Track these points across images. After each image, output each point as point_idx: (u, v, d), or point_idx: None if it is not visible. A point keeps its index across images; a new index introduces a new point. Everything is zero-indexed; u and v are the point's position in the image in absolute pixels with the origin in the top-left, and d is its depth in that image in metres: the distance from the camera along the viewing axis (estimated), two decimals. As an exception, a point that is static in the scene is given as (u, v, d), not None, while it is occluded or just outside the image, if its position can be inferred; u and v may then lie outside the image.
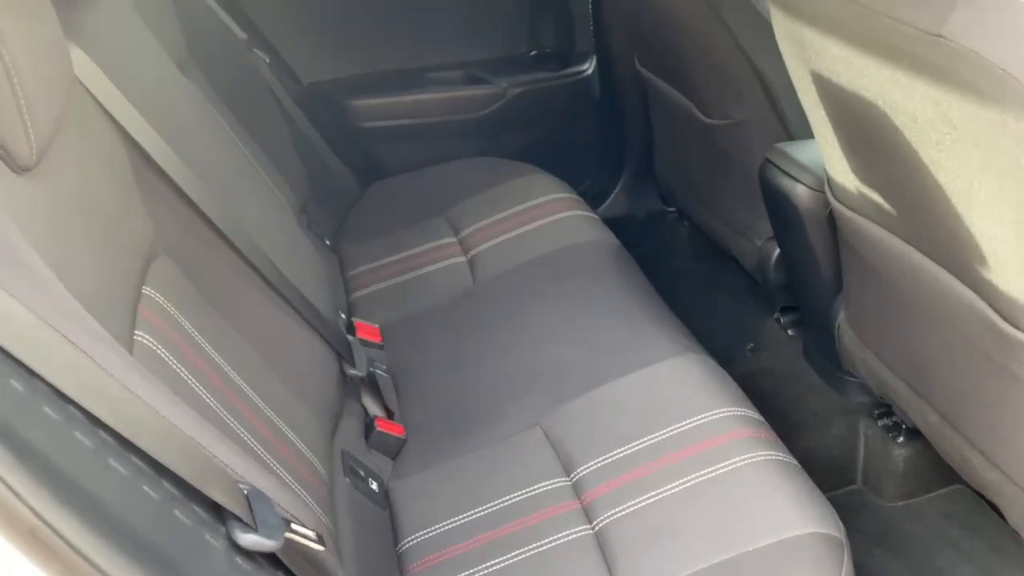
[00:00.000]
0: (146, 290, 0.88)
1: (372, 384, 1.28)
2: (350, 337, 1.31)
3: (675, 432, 1.12)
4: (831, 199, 1.23)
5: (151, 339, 0.82)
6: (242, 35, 1.77)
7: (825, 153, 1.18)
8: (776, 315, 1.85)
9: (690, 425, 1.14)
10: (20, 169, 0.69)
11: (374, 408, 1.28)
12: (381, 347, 1.48)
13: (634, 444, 1.12)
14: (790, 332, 1.81)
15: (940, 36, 0.77)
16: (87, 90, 0.92)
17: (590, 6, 2.04)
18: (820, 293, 1.50)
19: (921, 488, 1.49)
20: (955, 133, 0.81)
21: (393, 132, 2.04)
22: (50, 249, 0.68)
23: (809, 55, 1.01)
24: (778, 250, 1.62)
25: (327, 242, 1.78)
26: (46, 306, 0.56)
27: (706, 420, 1.14)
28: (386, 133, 2.04)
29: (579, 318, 1.40)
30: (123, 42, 1.12)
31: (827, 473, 1.55)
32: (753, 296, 2.03)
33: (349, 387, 1.27)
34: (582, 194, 1.98)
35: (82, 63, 0.93)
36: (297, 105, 1.89)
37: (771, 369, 1.76)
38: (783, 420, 1.60)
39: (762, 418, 1.18)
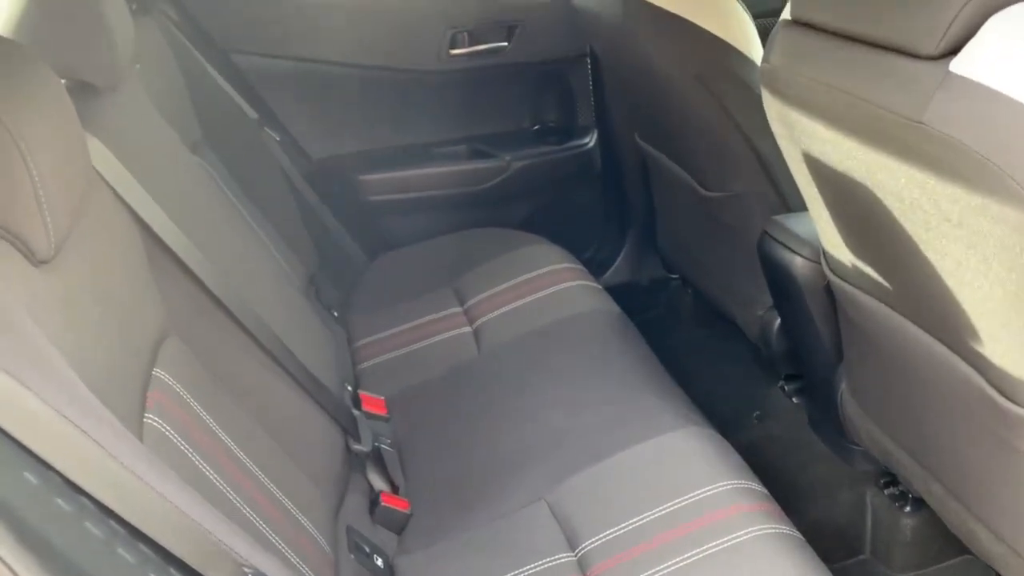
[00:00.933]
0: (156, 372, 0.90)
1: (377, 459, 1.29)
2: (356, 412, 1.33)
3: (679, 506, 1.13)
4: (827, 272, 1.25)
5: (160, 422, 0.84)
6: (254, 115, 1.83)
7: (820, 227, 1.21)
8: (781, 383, 1.86)
9: (694, 499, 1.14)
10: (38, 262, 0.72)
11: (379, 483, 1.28)
12: (387, 419, 1.49)
13: (638, 518, 1.13)
14: (795, 400, 1.82)
15: (921, 123, 0.80)
16: (103, 179, 0.96)
17: (590, 84, 2.10)
18: (822, 362, 1.51)
19: (931, 558, 1.48)
20: (941, 214, 0.83)
21: (400, 205, 2.08)
22: (64, 339, 0.71)
23: (799, 136, 1.05)
24: (779, 319, 1.64)
25: (335, 313, 1.81)
26: (60, 397, 0.58)
27: (709, 494, 1.15)
28: (393, 206, 2.08)
29: (583, 390, 1.42)
30: (138, 130, 1.17)
31: (835, 543, 1.54)
32: (758, 364, 2.05)
33: (354, 462, 1.28)
34: (586, 262, 2.01)
35: (99, 153, 0.97)
36: (306, 180, 1.94)
37: (777, 437, 1.76)
38: (789, 488, 1.60)
39: (766, 490, 1.19)
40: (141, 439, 0.81)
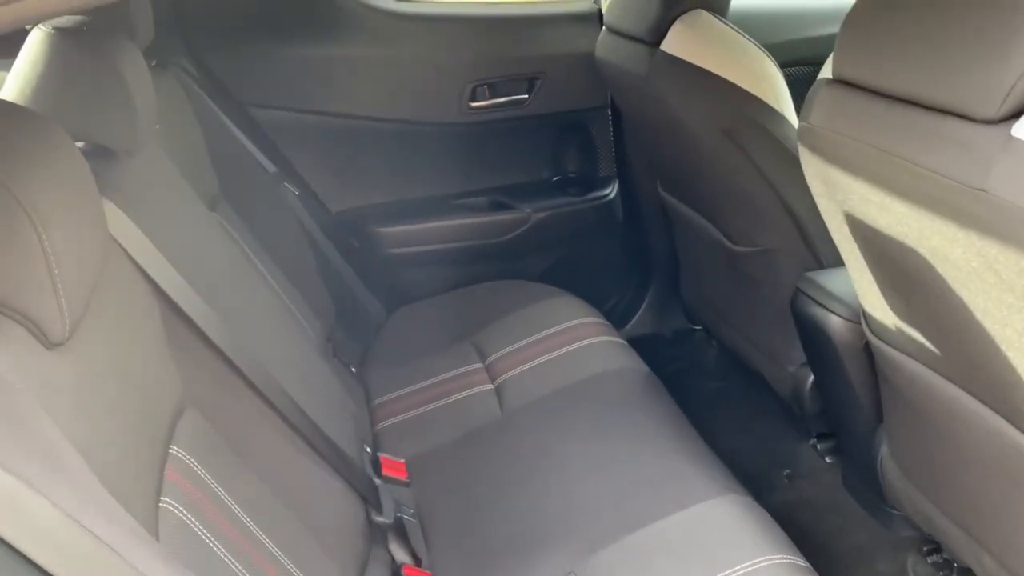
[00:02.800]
0: (173, 449, 0.86)
1: (399, 530, 1.24)
2: (377, 480, 1.28)
3: (718, 584, 1.07)
4: (868, 334, 1.20)
5: (176, 504, 0.80)
6: (272, 168, 1.81)
7: (860, 288, 1.16)
8: (812, 441, 1.79)
9: (734, 575, 1.08)
10: (52, 345, 0.68)
11: (401, 555, 1.23)
12: (407, 484, 1.44)
13: (675, 597, 1.07)
14: (828, 459, 1.76)
15: (983, 190, 0.76)
16: (121, 246, 0.93)
17: (611, 135, 2.07)
18: (859, 424, 1.46)
19: (979, 632, 1.40)
20: (1003, 284, 0.79)
21: (419, 257, 2.05)
22: (77, 426, 0.67)
23: (841, 197, 1.01)
24: (812, 377, 1.59)
25: (353, 369, 1.77)
26: (71, 499, 0.54)
27: (751, 570, 1.09)
28: (412, 259, 2.05)
29: (612, 454, 1.36)
30: (156, 191, 1.14)
31: (877, 616, 1.47)
32: (787, 418, 1.98)
33: (375, 533, 1.22)
34: (607, 313, 1.97)
35: (117, 219, 0.94)
36: (325, 234, 1.91)
37: (810, 499, 1.70)
38: (825, 554, 1.53)
39: (809, 565, 1.13)
40: (157, 525, 0.76)
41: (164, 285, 0.97)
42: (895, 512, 1.51)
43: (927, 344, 1.04)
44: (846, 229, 1.07)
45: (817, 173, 1.05)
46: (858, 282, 1.15)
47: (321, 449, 1.17)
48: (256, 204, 1.67)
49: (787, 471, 1.85)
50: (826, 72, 1.00)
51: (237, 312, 1.17)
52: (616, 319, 2.18)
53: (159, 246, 0.99)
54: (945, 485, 1.18)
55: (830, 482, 1.70)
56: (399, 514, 1.25)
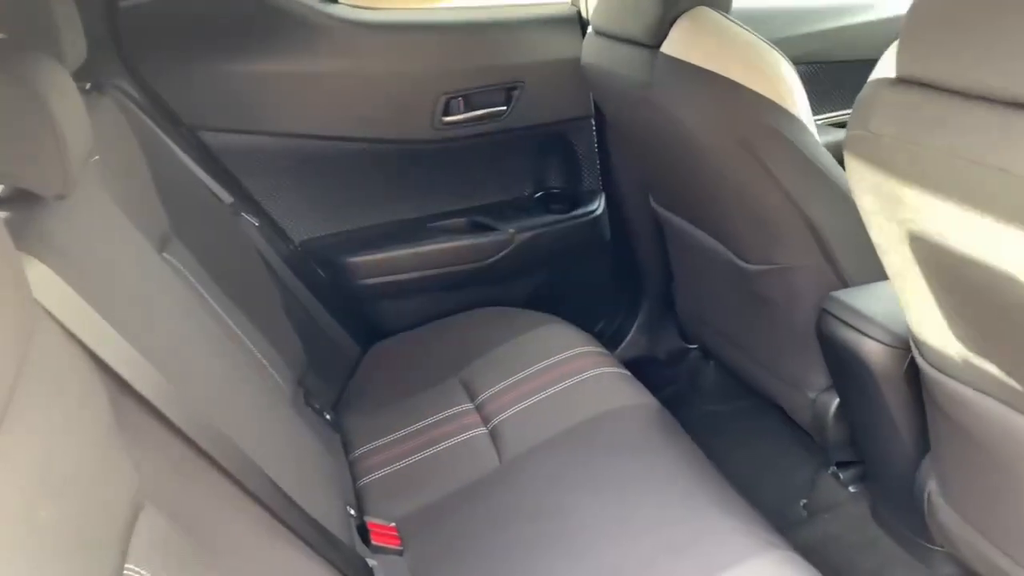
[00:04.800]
0: (128, 569, 0.68)
1: (400, 617, 1.07)
2: (372, 562, 1.10)
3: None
4: (924, 365, 1.06)
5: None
6: (228, 199, 1.63)
7: (915, 315, 1.03)
8: (832, 469, 1.66)
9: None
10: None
11: (403, 645, 1.06)
12: (400, 552, 1.27)
13: None
14: (851, 488, 1.63)
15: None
16: (50, 314, 0.75)
17: (595, 146, 1.93)
18: (897, 455, 1.32)
19: None
20: None
21: (394, 288, 1.88)
22: (9, 558, 0.50)
23: (907, 215, 0.87)
24: (836, 402, 1.46)
25: (327, 416, 1.59)
26: None
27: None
28: (386, 290, 1.88)
29: (633, 510, 1.21)
30: (94, 239, 0.96)
31: (929, 667, 1.34)
32: (798, 443, 1.86)
33: (372, 624, 1.05)
34: (598, 335, 1.83)
35: (43, 280, 0.76)
36: (289, 267, 1.74)
37: (838, 536, 1.56)
38: (864, 601, 1.39)
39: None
40: None
41: (108, 357, 0.79)
42: (934, 548, 1.39)
43: (1007, 380, 0.91)
44: (906, 250, 0.93)
45: (872, 187, 0.91)
46: (914, 308, 1.01)
47: (303, 532, 1.00)
48: (212, 240, 1.49)
49: (804, 501, 1.71)
50: (883, 71, 0.86)
51: (197, 376, 0.99)
52: (606, 341, 2.03)
53: (100, 309, 0.81)
54: (1017, 530, 1.05)
55: (857, 515, 1.56)
56: (398, 599, 1.08)
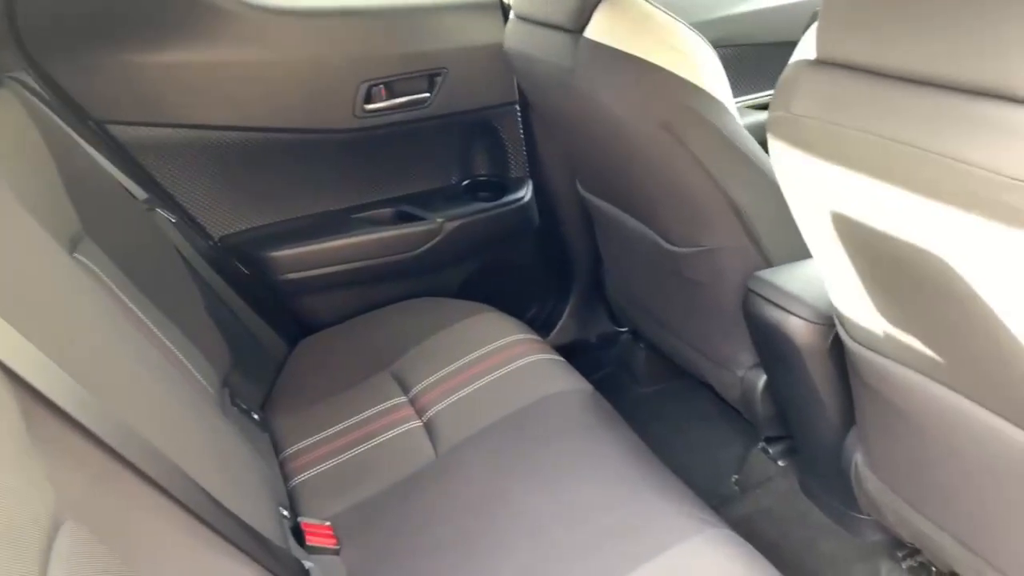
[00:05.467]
0: None
1: (340, 619, 1.05)
2: (308, 564, 1.08)
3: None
4: (847, 340, 1.09)
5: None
6: (142, 195, 1.56)
7: (838, 292, 1.05)
8: (762, 445, 1.70)
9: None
10: None
11: (344, 648, 1.04)
12: (337, 551, 1.24)
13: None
14: (780, 463, 1.67)
15: (1019, 179, 0.64)
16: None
17: (521, 132, 1.92)
18: (824, 430, 1.36)
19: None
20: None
21: (319, 282, 1.83)
22: None
23: (829, 195, 0.88)
24: (763, 379, 1.49)
25: (255, 416, 1.55)
26: None
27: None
28: (311, 284, 1.83)
29: (571, 495, 1.21)
30: (0, 243, 0.90)
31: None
32: (727, 421, 1.90)
33: (311, 626, 1.03)
34: (530, 322, 1.82)
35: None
36: (209, 264, 1.68)
37: (769, 509, 1.60)
38: (797, 569, 1.43)
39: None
40: None
41: (18, 367, 0.75)
42: (861, 517, 1.43)
43: (926, 352, 0.93)
44: (829, 229, 0.95)
45: (795, 168, 0.93)
46: (838, 285, 1.04)
47: (235, 537, 0.96)
48: (126, 238, 1.42)
49: (735, 477, 1.75)
50: (803, 52, 0.88)
51: (116, 382, 0.95)
52: (538, 328, 2.04)
53: (7, 315, 0.76)
54: (940, 497, 1.09)
55: (786, 489, 1.60)
56: (337, 600, 1.06)
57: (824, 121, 0.82)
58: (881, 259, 0.89)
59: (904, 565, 1.37)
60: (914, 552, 1.37)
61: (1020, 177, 0.64)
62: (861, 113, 0.78)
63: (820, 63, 0.83)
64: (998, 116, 0.65)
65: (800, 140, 0.87)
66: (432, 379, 1.54)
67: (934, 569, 1.32)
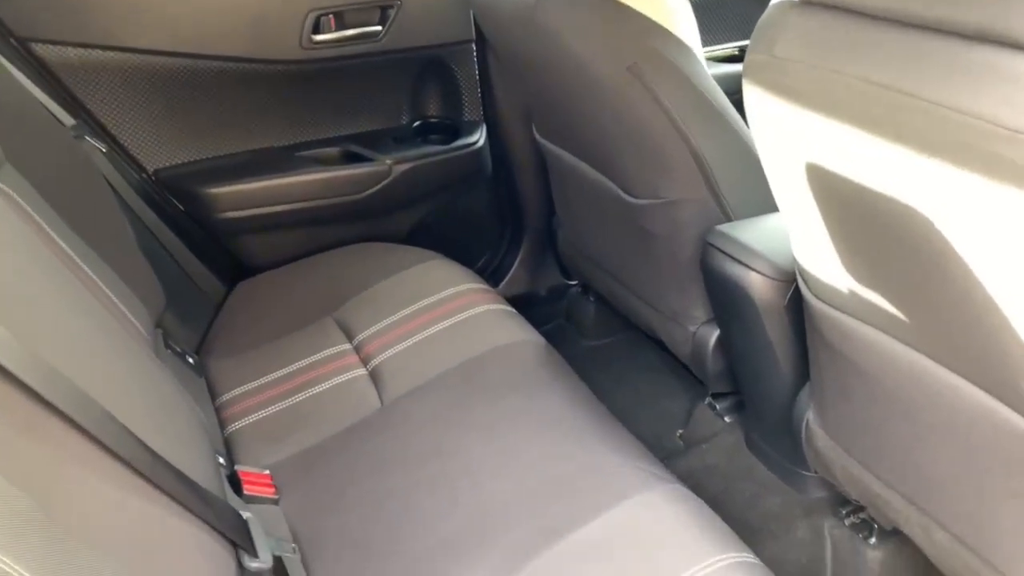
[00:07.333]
0: None
1: (280, 572, 1.00)
2: (246, 514, 1.02)
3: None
4: (809, 296, 1.07)
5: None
6: (70, 121, 1.45)
7: (803, 247, 1.03)
8: (708, 400, 1.70)
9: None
10: None
11: (285, 603, 0.99)
12: (276, 501, 1.20)
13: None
14: (727, 419, 1.67)
15: (1020, 132, 0.62)
16: None
17: (477, 73, 1.85)
18: (776, 387, 1.35)
19: (902, 594, 1.35)
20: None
21: (260, 221, 1.75)
22: None
23: (806, 145, 0.85)
24: (715, 335, 1.47)
25: (190, 360, 1.48)
26: None
27: (707, 572, 0.95)
28: (252, 224, 1.75)
29: (521, 447, 1.18)
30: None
31: (800, 587, 1.40)
32: (675, 376, 1.89)
33: (251, 582, 0.98)
34: (479, 271, 1.78)
35: None
36: (142, 198, 1.58)
37: (715, 465, 1.60)
38: (741, 525, 1.43)
39: (760, 562, 1.00)
40: None
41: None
42: (806, 474, 1.44)
43: (892, 311, 0.92)
44: (802, 181, 0.91)
45: (771, 117, 0.89)
46: (805, 241, 1.01)
47: (169, 487, 0.91)
48: (52, 167, 1.32)
49: (680, 431, 1.75)
50: (786, -7, 0.83)
51: (40, 322, 0.87)
52: (488, 278, 1.99)
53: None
54: (892, 456, 1.09)
55: (732, 445, 1.61)
56: (277, 552, 1.01)
57: (809, 65, 0.78)
58: (854, 214, 0.86)
59: (847, 522, 1.38)
60: (858, 509, 1.38)
61: (1021, 129, 0.61)
62: (850, 57, 0.75)
63: (806, 3, 0.79)
64: (998, 63, 0.62)
65: (781, 86, 0.83)
66: (378, 326, 1.49)
67: (876, 526, 1.33)
